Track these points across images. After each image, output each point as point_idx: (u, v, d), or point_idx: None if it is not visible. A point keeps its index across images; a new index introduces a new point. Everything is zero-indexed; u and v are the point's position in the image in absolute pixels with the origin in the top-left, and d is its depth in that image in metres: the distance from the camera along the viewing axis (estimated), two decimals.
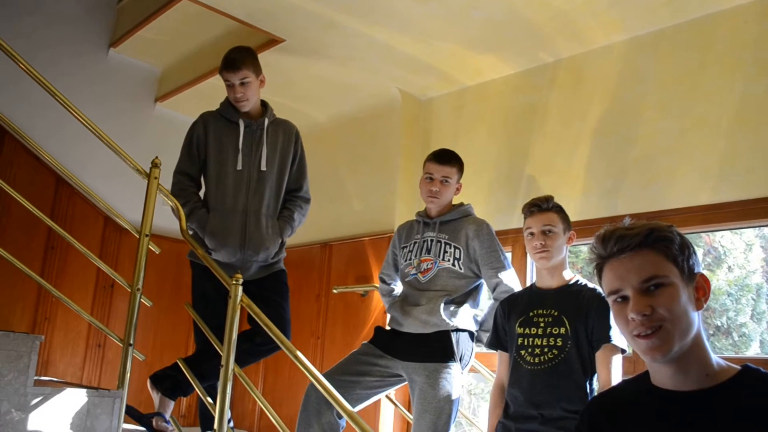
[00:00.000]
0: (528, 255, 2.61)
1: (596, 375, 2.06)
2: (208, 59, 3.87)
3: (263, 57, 3.60)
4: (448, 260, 2.52)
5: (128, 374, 2.39)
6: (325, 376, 2.37)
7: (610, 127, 3.15)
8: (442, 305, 2.44)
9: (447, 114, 3.94)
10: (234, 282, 2.24)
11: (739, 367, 1.18)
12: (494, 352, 2.35)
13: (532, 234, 2.20)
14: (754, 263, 3.96)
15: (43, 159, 3.58)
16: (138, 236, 2.53)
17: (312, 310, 4.18)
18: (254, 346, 2.62)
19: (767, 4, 2.74)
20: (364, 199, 4.12)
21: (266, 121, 2.79)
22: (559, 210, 2.24)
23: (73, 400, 2.23)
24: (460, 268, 2.51)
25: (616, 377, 2.01)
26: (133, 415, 2.53)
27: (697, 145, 2.83)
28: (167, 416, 2.61)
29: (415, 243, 2.62)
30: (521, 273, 3.22)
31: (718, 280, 3.94)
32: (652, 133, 2.99)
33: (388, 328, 2.62)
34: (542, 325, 2.14)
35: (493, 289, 2.49)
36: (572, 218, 2.34)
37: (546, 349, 2.09)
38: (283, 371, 4.27)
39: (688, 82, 2.92)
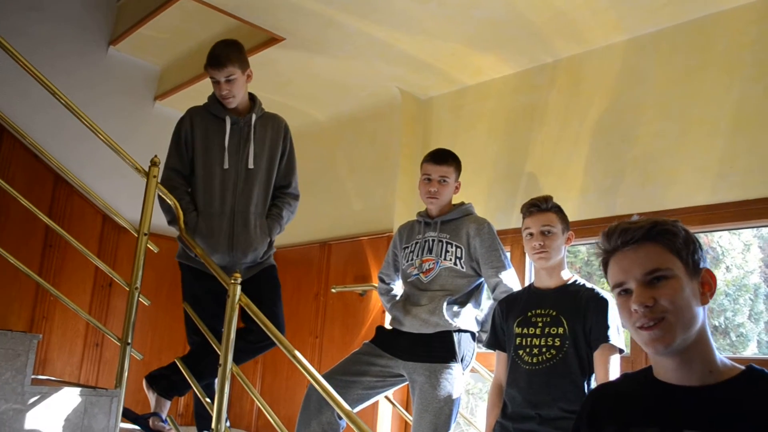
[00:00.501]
0: (527, 255, 2.61)
1: (594, 375, 2.06)
2: None
3: (263, 55, 3.62)
4: (450, 259, 2.51)
5: (126, 373, 2.38)
6: (326, 375, 2.37)
7: (609, 127, 3.15)
8: (445, 305, 2.44)
9: (447, 113, 3.94)
10: (232, 281, 2.24)
11: (743, 367, 1.18)
12: (492, 351, 2.35)
13: (530, 234, 2.20)
14: (752, 263, 3.96)
15: (41, 157, 3.58)
16: (136, 235, 2.52)
17: (310, 310, 4.18)
18: (248, 344, 2.61)
19: (767, 5, 2.74)
20: (363, 198, 4.11)
21: (254, 117, 2.72)
22: (558, 210, 2.24)
23: (70, 399, 2.23)
24: (462, 267, 2.51)
25: (614, 377, 2.00)
26: (129, 416, 2.53)
27: (696, 146, 2.83)
28: (164, 416, 2.61)
29: (416, 243, 2.62)
30: (520, 273, 3.22)
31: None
32: (651, 133, 2.99)
33: (389, 327, 2.62)
34: (540, 325, 2.14)
35: (493, 289, 2.49)
36: (571, 218, 2.34)
37: (544, 349, 2.09)
38: (281, 371, 4.26)
39: (687, 82, 2.92)
